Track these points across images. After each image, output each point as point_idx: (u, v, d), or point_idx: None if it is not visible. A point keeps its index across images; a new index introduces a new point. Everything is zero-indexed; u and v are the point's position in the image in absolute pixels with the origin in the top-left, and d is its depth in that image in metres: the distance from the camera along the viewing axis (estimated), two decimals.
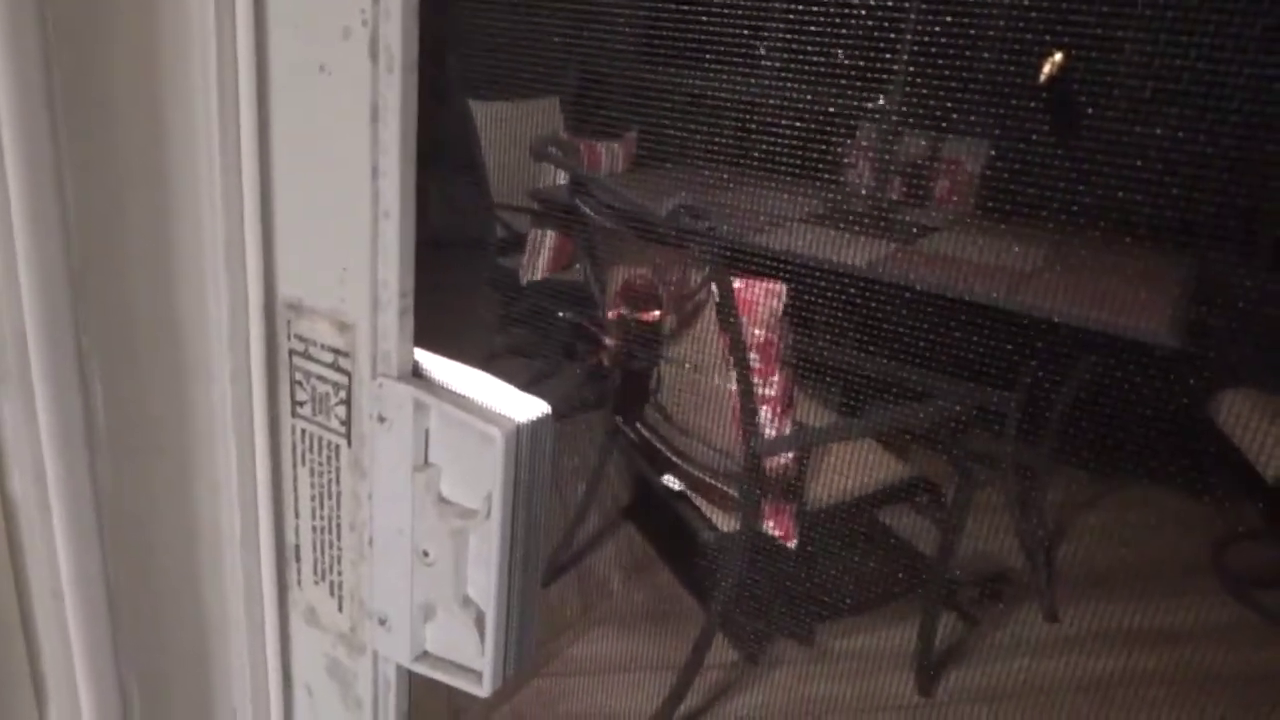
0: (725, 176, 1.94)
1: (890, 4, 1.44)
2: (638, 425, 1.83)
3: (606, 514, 2.26)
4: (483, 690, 0.39)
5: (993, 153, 2.24)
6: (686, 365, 1.65)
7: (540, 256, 2.36)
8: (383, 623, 0.41)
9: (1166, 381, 1.75)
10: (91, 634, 0.39)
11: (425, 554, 0.39)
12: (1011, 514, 2.18)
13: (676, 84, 1.93)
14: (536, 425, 0.37)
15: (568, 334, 2.35)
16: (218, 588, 0.43)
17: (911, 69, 1.75)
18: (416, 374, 0.38)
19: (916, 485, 1.77)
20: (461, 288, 2.49)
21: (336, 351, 0.38)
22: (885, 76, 1.81)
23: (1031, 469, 2.19)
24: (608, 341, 1.75)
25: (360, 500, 0.39)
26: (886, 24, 1.45)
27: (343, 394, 0.38)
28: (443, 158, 2.63)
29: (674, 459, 1.72)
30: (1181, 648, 1.99)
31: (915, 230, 2.24)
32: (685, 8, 1.69)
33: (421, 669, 0.41)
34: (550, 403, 0.37)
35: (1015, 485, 2.19)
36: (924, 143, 2.32)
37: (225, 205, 0.36)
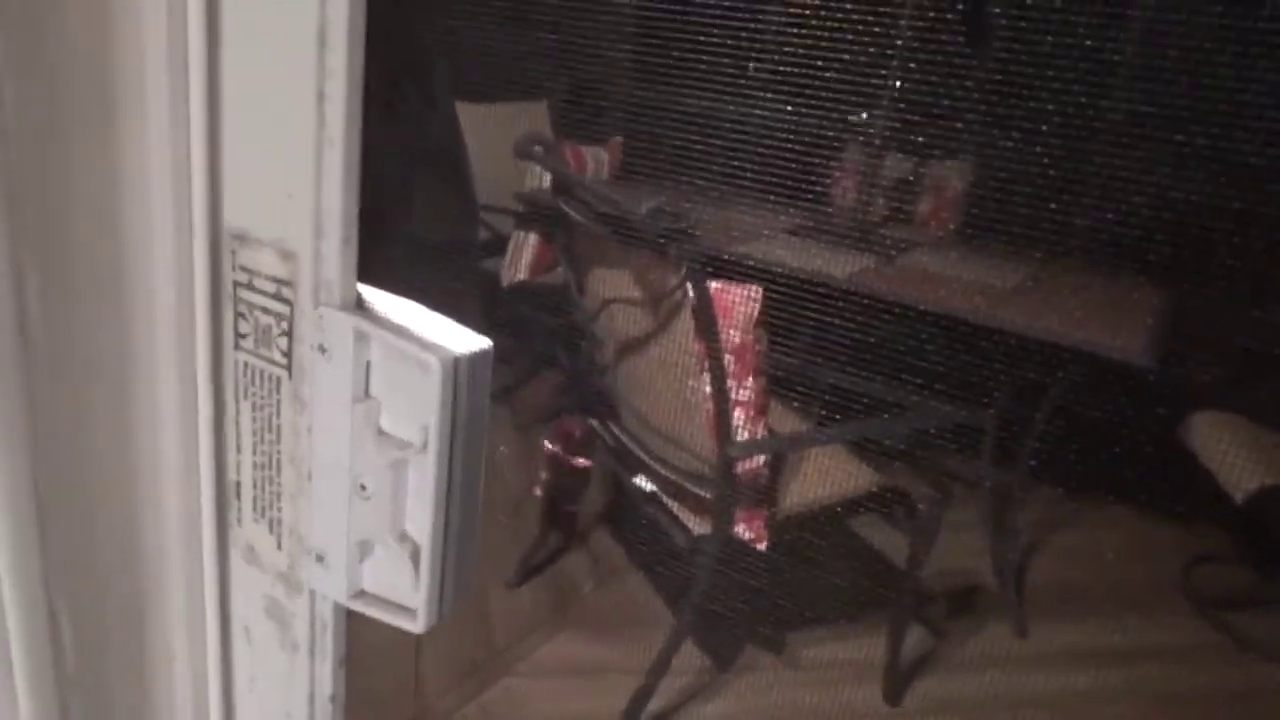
0: (709, 187, 1.95)
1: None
2: (611, 427, 1.83)
3: (581, 517, 2.25)
4: (417, 627, 0.39)
5: (972, 171, 2.26)
6: (661, 366, 1.65)
7: (522, 259, 2.36)
8: (320, 559, 0.41)
9: (1141, 403, 1.77)
10: (20, 559, 0.39)
11: (363, 487, 0.38)
12: (984, 529, 2.18)
13: (661, 95, 1.94)
14: (475, 358, 0.37)
15: (546, 339, 2.35)
16: (156, 524, 0.43)
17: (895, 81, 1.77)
18: (360, 306, 0.38)
19: (890, 495, 1.77)
20: (445, 290, 2.49)
21: (279, 281, 0.38)
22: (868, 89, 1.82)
23: (1005, 485, 2.20)
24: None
25: (300, 434, 0.39)
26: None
27: (285, 325, 0.38)
28: (428, 159, 2.63)
29: (647, 460, 1.72)
30: (1149, 667, 2.00)
31: (892, 244, 2.25)
32: (672, 19, 1.70)
33: (358, 606, 0.41)
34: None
35: (989, 501, 2.19)
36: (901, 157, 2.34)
37: (173, 128, 0.36)
